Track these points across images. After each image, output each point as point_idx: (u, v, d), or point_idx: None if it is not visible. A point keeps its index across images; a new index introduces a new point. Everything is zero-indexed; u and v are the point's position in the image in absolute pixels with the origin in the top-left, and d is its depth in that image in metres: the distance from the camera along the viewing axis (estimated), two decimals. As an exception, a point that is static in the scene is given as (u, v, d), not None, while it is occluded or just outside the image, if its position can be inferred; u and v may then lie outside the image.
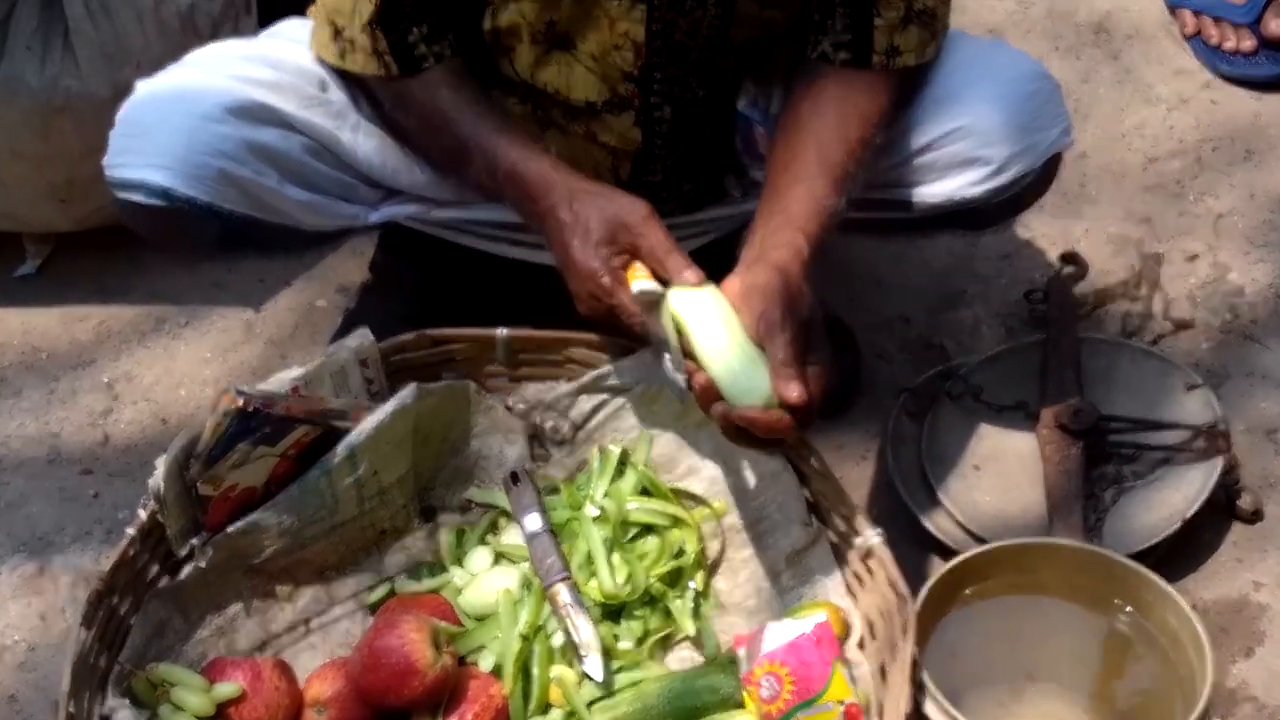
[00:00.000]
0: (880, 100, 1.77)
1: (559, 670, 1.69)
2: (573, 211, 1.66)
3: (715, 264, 1.71)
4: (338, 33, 1.76)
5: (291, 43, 1.84)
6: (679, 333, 1.60)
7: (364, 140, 1.82)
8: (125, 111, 1.79)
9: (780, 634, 1.61)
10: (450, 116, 1.75)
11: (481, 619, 1.75)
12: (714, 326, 1.57)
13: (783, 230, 1.65)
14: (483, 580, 1.77)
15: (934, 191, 1.84)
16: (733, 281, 1.62)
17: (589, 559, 1.74)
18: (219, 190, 1.74)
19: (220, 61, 1.80)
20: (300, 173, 1.80)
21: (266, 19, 2.43)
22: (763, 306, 1.56)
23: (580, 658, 1.66)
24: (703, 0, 1.74)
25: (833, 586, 1.73)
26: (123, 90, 2.23)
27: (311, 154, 1.80)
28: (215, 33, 2.32)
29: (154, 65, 2.24)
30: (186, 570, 1.67)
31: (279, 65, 1.79)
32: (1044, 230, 2.42)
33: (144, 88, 1.80)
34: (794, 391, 1.51)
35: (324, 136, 1.80)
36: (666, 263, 1.63)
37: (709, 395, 1.57)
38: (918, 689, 1.61)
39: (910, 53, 1.76)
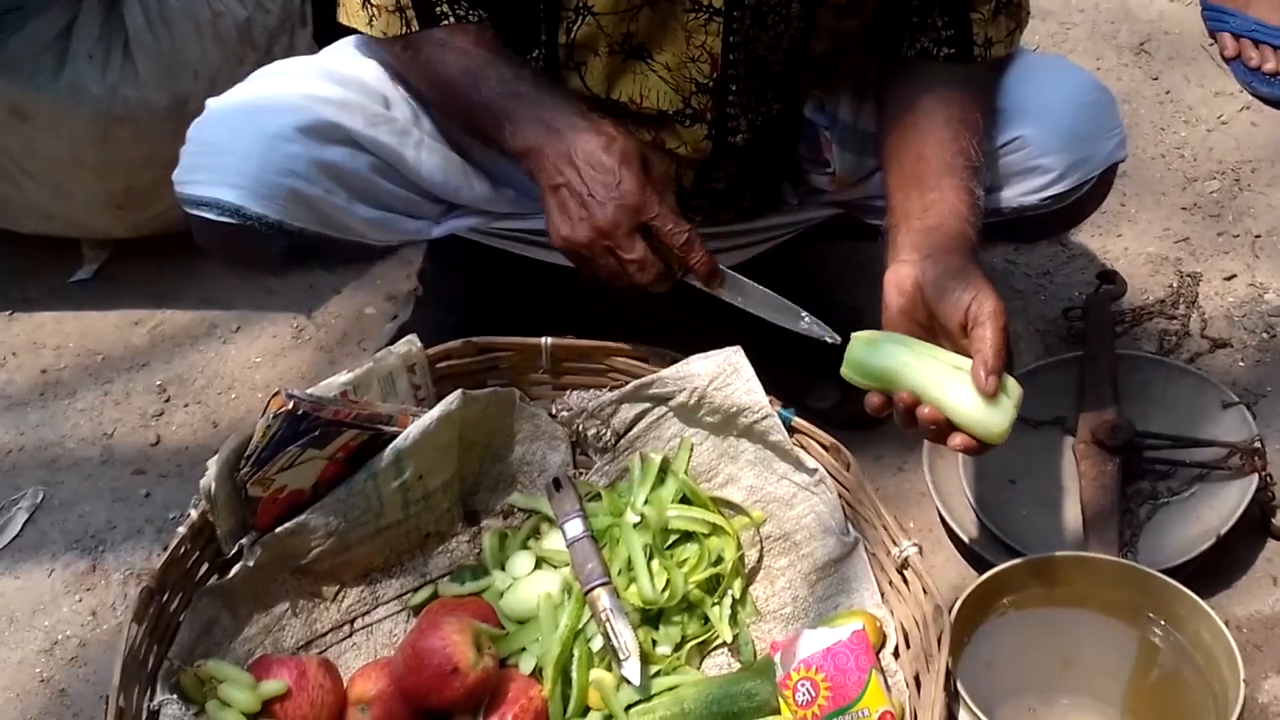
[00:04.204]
0: (987, 92, 1.80)
1: (598, 674, 1.71)
2: (617, 145, 1.66)
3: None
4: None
5: (355, 60, 1.84)
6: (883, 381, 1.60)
7: (427, 157, 1.82)
8: (197, 129, 1.79)
9: (817, 641, 1.63)
10: (456, 78, 1.73)
11: (522, 622, 1.78)
12: (947, 378, 1.57)
13: (950, 221, 1.66)
14: (524, 584, 1.80)
15: (993, 200, 1.85)
16: (903, 271, 1.63)
17: (629, 565, 1.76)
18: (290, 209, 1.75)
19: (288, 79, 1.81)
20: (368, 190, 1.81)
21: (321, 31, 2.47)
22: (969, 298, 1.57)
23: (619, 662, 1.68)
24: (785, 15, 1.75)
25: (868, 596, 1.74)
26: (181, 100, 2.28)
27: (378, 172, 1.81)
28: (271, 45, 2.35)
29: (211, 75, 2.29)
30: (235, 569, 1.70)
31: (345, 83, 1.79)
32: (1083, 248, 2.44)
33: (215, 106, 1.80)
34: (992, 385, 1.53)
35: (389, 154, 1.80)
36: (680, 226, 1.66)
37: (940, 432, 1.58)
38: (951, 698, 1.62)
39: (1001, 43, 1.80)
